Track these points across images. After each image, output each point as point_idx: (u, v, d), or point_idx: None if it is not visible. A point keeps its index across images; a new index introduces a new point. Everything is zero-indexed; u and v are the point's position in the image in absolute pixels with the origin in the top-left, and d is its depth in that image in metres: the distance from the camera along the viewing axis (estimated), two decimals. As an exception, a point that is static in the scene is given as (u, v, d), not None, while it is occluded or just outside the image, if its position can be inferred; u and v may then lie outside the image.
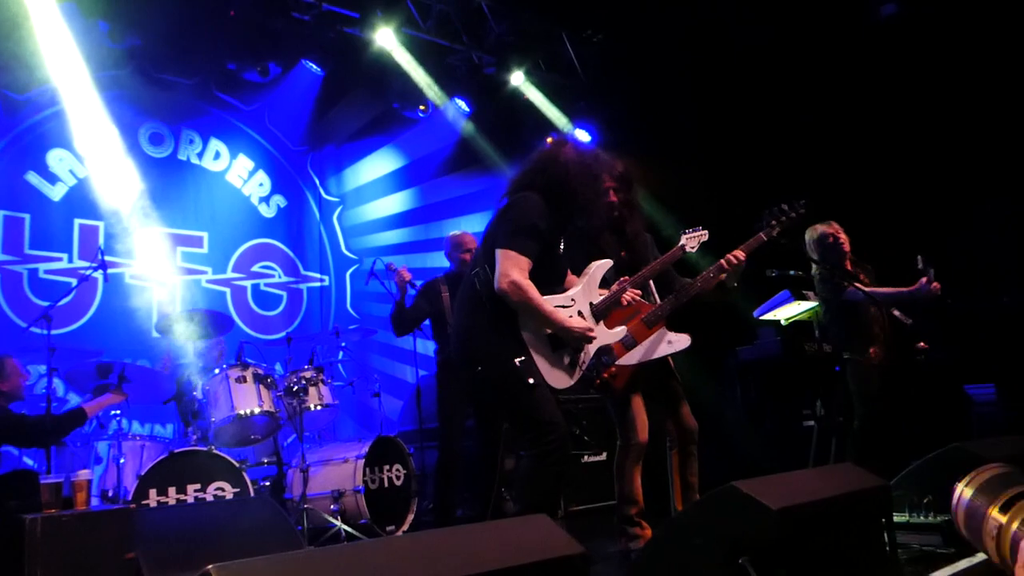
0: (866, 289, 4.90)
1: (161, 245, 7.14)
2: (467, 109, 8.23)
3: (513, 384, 3.26)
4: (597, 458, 6.50)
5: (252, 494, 5.15)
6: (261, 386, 5.55)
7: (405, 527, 5.76)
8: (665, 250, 4.17)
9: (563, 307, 3.47)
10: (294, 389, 5.71)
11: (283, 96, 7.71)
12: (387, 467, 5.84)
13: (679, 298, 4.03)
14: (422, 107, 8.05)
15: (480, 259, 3.41)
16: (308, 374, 5.80)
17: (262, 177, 7.97)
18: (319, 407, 5.74)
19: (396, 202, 8.66)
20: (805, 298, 5.73)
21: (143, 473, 4.93)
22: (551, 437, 3.20)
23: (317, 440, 6.30)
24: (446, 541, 1.78)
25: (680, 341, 4.03)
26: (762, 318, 6.04)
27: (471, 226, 8.70)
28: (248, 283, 7.71)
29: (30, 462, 5.92)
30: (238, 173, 7.83)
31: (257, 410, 5.45)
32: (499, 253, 3.26)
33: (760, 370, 6.52)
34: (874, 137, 6.96)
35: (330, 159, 8.53)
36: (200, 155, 7.62)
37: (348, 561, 1.62)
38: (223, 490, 5.12)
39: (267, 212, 7.99)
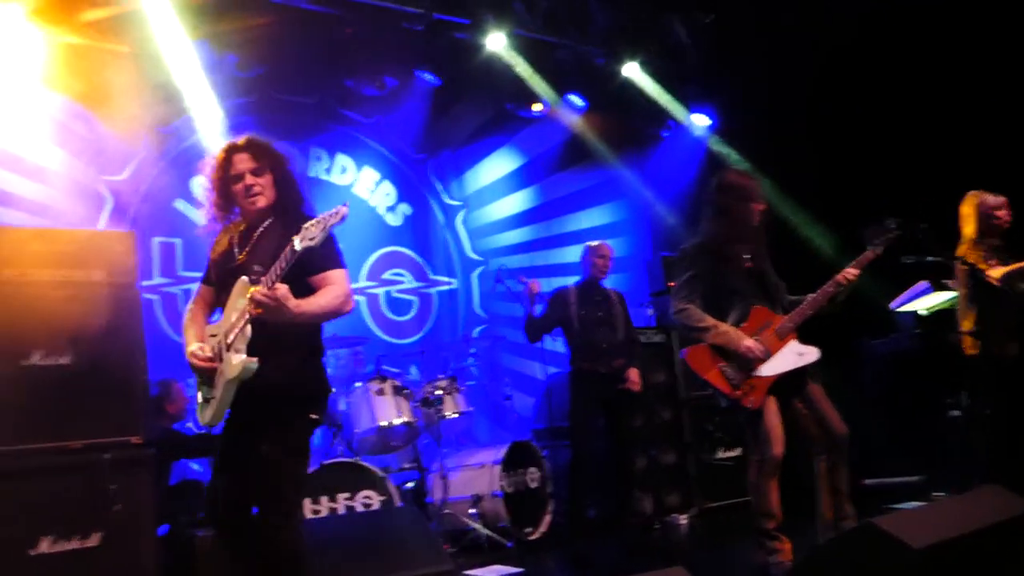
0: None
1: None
2: (580, 103, 8.23)
3: None
4: (731, 454, 6.47)
5: (397, 501, 5.41)
6: (399, 398, 5.81)
7: (543, 528, 5.91)
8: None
9: (213, 335, 3.18)
10: (430, 399, 5.95)
11: (400, 107, 7.91)
12: (522, 470, 6.01)
13: (809, 309, 4.00)
14: (535, 105, 8.11)
15: None
16: (443, 383, 6.04)
17: (387, 187, 8.24)
18: (455, 415, 5.97)
19: (516, 201, 8.78)
20: (945, 288, 5.49)
21: (297, 485, 5.24)
22: None
23: (454, 444, 6.52)
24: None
25: (810, 353, 3.99)
26: (900, 309, 5.84)
27: (590, 220, 8.77)
28: (381, 290, 8.02)
29: (196, 468, 6.35)
30: (365, 185, 8.12)
31: (397, 421, 5.72)
32: None
33: (897, 363, 6.32)
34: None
35: (449, 164, 8.72)
36: (328, 171, 7.95)
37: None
38: (370, 498, 5.39)
39: (394, 221, 8.26)
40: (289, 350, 3.09)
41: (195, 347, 3.16)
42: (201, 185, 3.34)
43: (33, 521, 3.86)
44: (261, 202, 3.19)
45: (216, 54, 6.65)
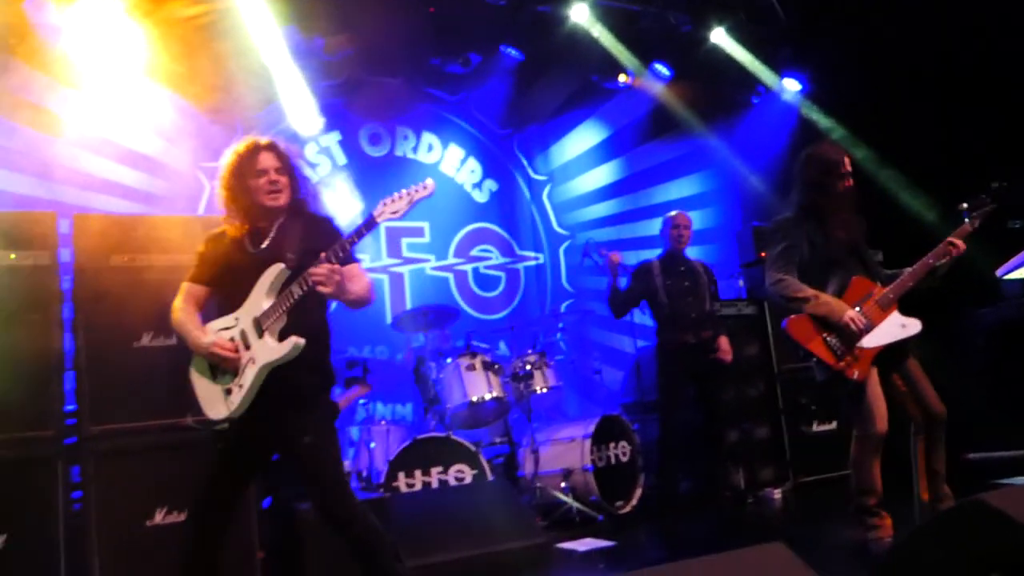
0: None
1: (387, 238, 7.67)
2: (666, 72, 8.10)
3: None
4: (826, 427, 6.35)
5: (489, 475, 5.50)
6: (490, 373, 5.88)
7: (633, 502, 5.92)
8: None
9: (225, 328, 3.26)
10: (520, 374, 6.00)
11: (485, 83, 7.93)
12: (613, 444, 6.02)
13: (910, 281, 3.91)
14: (621, 76, 8.02)
15: None
16: (532, 359, 6.09)
17: (473, 164, 8.30)
18: (545, 390, 6.01)
19: (602, 174, 8.71)
20: None
21: (392, 459, 5.39)
22: None
23: (544, 419, 6.57)
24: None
25: (912, 325, 3.90)
26: (1007, 277, 5.60)
27: (678, 191, 8.65)
28: (468, 267, 8.10)
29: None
30: (451, 163, 8.19)
31: (488, 396, 5.79)
32: None
33: (1004, 332, 6.06)
34: None
35: (535, 138, 8.72)
36: (415, 149, 8.05)
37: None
38: (463, 472, 5.49)
39: (480, 197, 8.32)
40: (315, 338, 3.23)
41: (213, 338, 3.24)
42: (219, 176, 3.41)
43: (149, 495, 4.12)
44: (282, 199, 3.30)
45: (304, 38, 6.78)
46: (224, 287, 3.34)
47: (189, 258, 4.08)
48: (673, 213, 5.86)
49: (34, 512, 4.11)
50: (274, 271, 3.19)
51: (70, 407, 4.43)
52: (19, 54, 5.81)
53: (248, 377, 3.15)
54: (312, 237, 3.24)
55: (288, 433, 3.17)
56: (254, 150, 3.31)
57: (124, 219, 4.95)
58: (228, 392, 3.19)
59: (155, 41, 6.15)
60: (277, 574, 4.43)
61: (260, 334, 3.17)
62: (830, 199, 4.04)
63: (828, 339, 3.89)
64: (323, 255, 3.05)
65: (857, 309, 3.86)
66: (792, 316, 3.99)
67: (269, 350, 3.13)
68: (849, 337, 3.85)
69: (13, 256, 4.28)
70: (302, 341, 3.10)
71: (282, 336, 3.14)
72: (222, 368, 3.22)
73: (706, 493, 5.79)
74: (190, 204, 6.80)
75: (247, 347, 3.20)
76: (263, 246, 3.30)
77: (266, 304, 3.19)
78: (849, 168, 4.09)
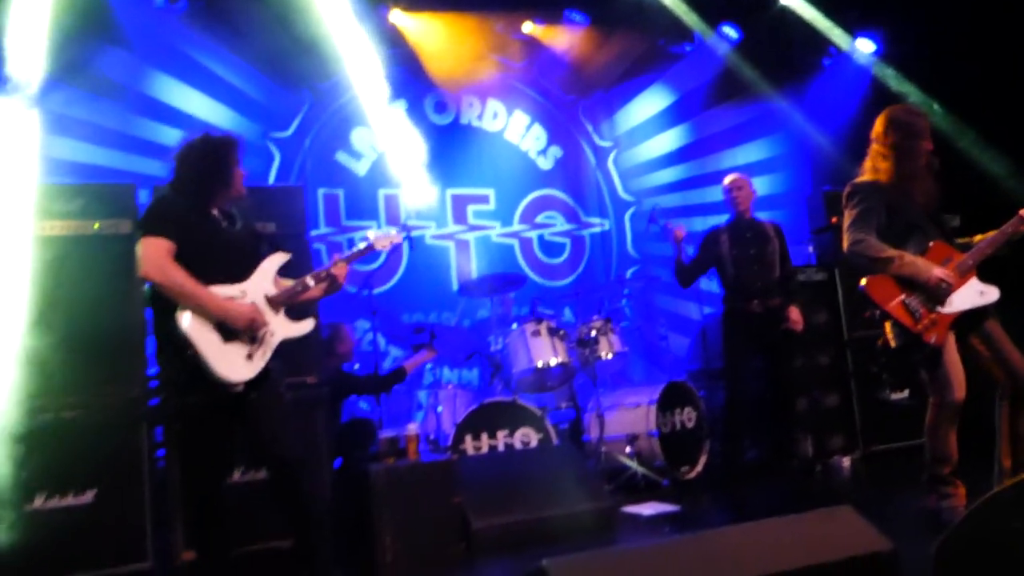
0: None
1: (453, 205, 7.75)
2: (734, 35, 7.96)
3: None
4: (899, 396, 6.25)
5: (554, 439, 5.56)
6: (555, 339, 5.93)
7: (699, 468, 5.93)
8: None
9: (232, 297, 3.44)
10: (585, 340, 6.03)
11: (550, 48, 7.91)
12: (679, 410, 6.02)
13: (988, 249, 3.83)
14: (688, 40, 7.91)
15: None
16: (598, 324, 6.10)
17: (538, 131, 8.29)
18: (610, 356, 6.03)
19: (668, 140, 8.63)
20: None
21: (459, 422, 5.49)
22: None
23: (610, 384, 6.60)
24: (752, 536, 1.90)
25: (991, 292, 3.82)
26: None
27: (746, 156, 8.52)
28: (534, 234, 8.13)
29: (364, 406, 6.74)
30: (515, 130, 8.20)
31: (553, 361, 5.84)
32: None
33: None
34: None
35: (600, 104, 8.65)
36: (480, 117, 8.08)
37: (662, 558, 1.80)
38: (528, 435, 5.58)
39: (545, 164, 8.32)
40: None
41: (248, 305, 3.44)
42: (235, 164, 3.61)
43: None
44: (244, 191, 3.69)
45: (370, 6, 6.85)
46: (188, 252, 3.38)
47: (262, 226, 4.26)
48: (729, 177, 5.69)
49: (121, 470, 4.33)
50: (281, 258, 3.64)
51: (152, 371, 4.64)
52: (95, 29, 6.00)
53: (271, 346, 3.48)
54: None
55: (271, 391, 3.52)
56: (239, 147, 3.64)
57: (200, 188, 5.11)
58: (250, 356, 3.38)
59: (227, 12, 6.29)
60: (350, 531, 4.57)
61: (276, 311, 3.54)
62: (908, 163, 3.95)
63: (907, 301, 3.82)
64: (336, 257, 3.74)
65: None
66: (871, 276, 3.92)
67: (290, 327, 3.59)
68: (934, 298, 3.78)
69: (97, 225, 4.48)
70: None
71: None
72: (233, 332, 3.35)
73: (773, 461, 5.75)
74: (261, 173, 6.97)
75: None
76: (236, 227, 3.61)
77: (270, 285, 3.57)
78: (929, 132, 4.00)
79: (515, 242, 8.03)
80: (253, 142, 6.88)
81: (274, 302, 3.54)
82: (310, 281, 3.66)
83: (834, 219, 6.52)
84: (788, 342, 5.53)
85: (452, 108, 7.95)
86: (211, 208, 3.55)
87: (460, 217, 7.80)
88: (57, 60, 5.38)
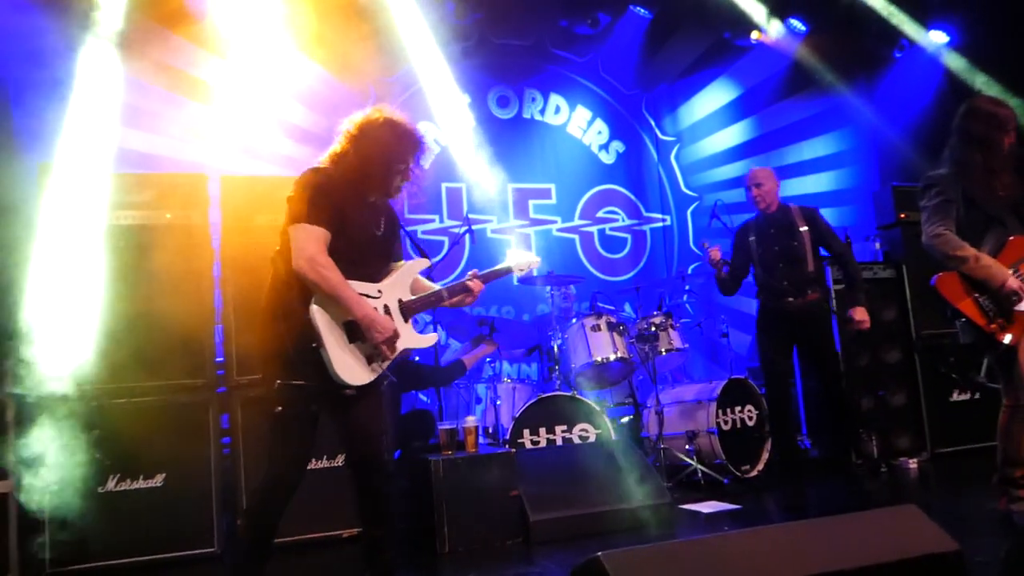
0: None
1: (514, 199, 7.77)
2: (802, 28, 7.81)
3: None
4: (965, 397, 6.08)
5: (613, 435, 5.54)
6: (614, 334, 5.90)
7: (760, 466, 5.85)
8: None
9: (368, 296, 3.19)
10: (645, 335, 5.99)
11: (614, 43, 7.90)
12: (739, 408, 5.94)
13: None
14: (754, 33, 7.78)
15: None
16: (658, 320, 6.05)
17: (600, 125, 8.27)
18: (670, 351, 5.98)
19: (732, 134, 8.53)
20: None
21: (518, 415, 5.50)
22: None
23: (669, 381, 6.55)
24: (814, 533, 1.88)
25: None
26: None
27: (812, 151, 8.37)
28: (595, 229, 8.12)
29: (425, 399, 6.81)
30: (578, 124, 8.20)
31: (612, 357, 5.82)
32: None
33: None
34: None
35: (663, 99, 8.60)
36: (542, 111, 8.09)
37: (719, 552, 1.79)
38: (587, 431, 5.56)
39: (607, 159, 8.29)
40: None
41: (390, 322, 3.21)
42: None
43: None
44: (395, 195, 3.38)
45: (435, 2, 6.90)
46: (337, 244, 3.14)
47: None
48: (749, 174, 5.43)
49: (190, 454, 4.46)
50: (422, 264, 3.46)
51: (219, 359, 4.76)
52: (170, 25, 6.16)
53: (393, 353, 3.23)
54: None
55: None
56: (422, 148, 3.37)
57: (268, 179, 5.23)
58: (371, 360, 3.19)
59: (293, 8, 6.39)
60: (409, 522, 4.62)
61: (405, 319, 3.31)
62: (990, 155, 3.85)
63: (980, 299, 3.72)
64: (473, 273, 3.50)
65: (1017, 275, 3.68)
66: (943, 273, 3.82)
67: (416, 338, 3.38)
68: (1005, 300, 3.67)
69: (169, 215, 4.61)
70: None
71: None
72: (359, 335, 3.14)
73: (837, 460, 5.63)
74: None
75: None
76: (380, 230, 3.31)
77: (407, 290, 3.35)
78: (1013, 124, 3.88)
79: (576, 237, 8.03)
80: (318, 135, 6.99)
81: (407, 309, 3.33)
82: (445, 294, 3.41)
83: (903, 215, 6.36)
84: (825, 337, 5.34)
85: (514, 102, 7.98)
86: (370, 197, 3.27)
87: (522, 211, 7.83)
88: (132, 51, 5.53)
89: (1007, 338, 3.66)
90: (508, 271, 3.67)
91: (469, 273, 3.48)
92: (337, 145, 3.26)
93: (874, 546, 1.82)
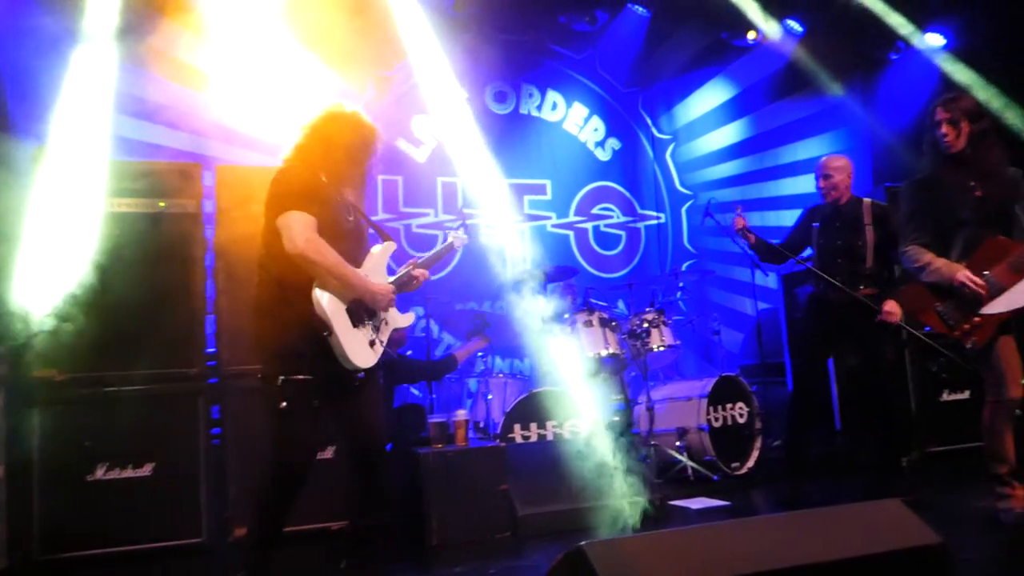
0: None
1: (510, 195, 7.76)
2: (799, 29, 7.82)
3: None
4: (958, 396, 6.09)
5: (604, 430, 5.54)
6: (607, 330, 5.92)
7: (750, 463, 5.87)
8: None
9: None
10: (637, 332, 6.00)
11: (612, 41, 7.91)
12: (730, 405, 5.96)
13: None
14: (750, 33, 7.79)
15: None
16: (650, 316, 6.07)
17: (596, 122, 8.28)
18: (662, 348, 6.00)
19: (728, 134, 8.55)
20: None
21: (508, 410, 5.52)
22: None
23: (661, 377, 6.56)
24: (797, 525, 1.89)
25: None
26: None
27: (806, 151, 8.38)
28: (589, 225, 8.14)
29: (416, 393, 6.81)
30: (574, 121, 8.20)
31: (604, 352, 5.84)
32: None
33: None
34: None
35: (660, 97, 8.62)
36: (539, 107, 8.10)
37: (703, 542, 1.79)
38: (577, 427, 5.57)
39: (603, 155, 8.31)
40: None
41: (391, 295, 3.43)
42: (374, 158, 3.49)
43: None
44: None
45: (435, -5, 6.91)
46: (321, 233, 3.18)
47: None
48: (821, 161, 5.21)
49: (179, 444, 4.45)
50: (391, 247, 3.55)
51: (211, 349, 4.75)
52: (167, 12, 6.14)
53: (385, 334, 3.41)
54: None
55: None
56: (380, 142, 3.51)
57: (263, 170, 5.20)
58: (372, 343, 3.29)
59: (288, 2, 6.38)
60: (404, 508, 4.61)
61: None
62: (959, 158, 3.85)
63: (939, 308, 3.76)
64: (413, 262, 3.66)
65: (986, 273, 3.69)
66: (905, 287, 3.90)
67: (400, 317, 3.57)
68: (967, 302, 3.69)
69: (163, 204, 4.60)
70: None
71: None
72: (360, 318, 3.25)
73: (828, 458, 5.65)
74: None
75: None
76: (352, 219, 3.41)
77: (384, 275, 3.47)
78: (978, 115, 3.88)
79: (570, 233, 8.04)
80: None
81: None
82: (416, 271, 3.62)
83: (896, 216, 6.38)
84: (884, 334, 5.25)
85: (511, 98, 7.98)
86: (343, 188, 3.41)
87: (517, 207, 7.82)
88: (129, 39, 5.50)
89: (970, 343, 3.70)
90: (450, 248, 3.94)
91: (409, 262, 3.66)
92: (302, 140, 3.37)
93: (857, 539, 1.83)
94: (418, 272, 3.62)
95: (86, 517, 4.20)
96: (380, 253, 3.49)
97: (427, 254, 3.80)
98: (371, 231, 3.60)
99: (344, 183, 3.40)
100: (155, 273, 4.44)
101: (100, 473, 4.31)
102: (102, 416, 4.28)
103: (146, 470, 4.38)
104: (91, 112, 4.89)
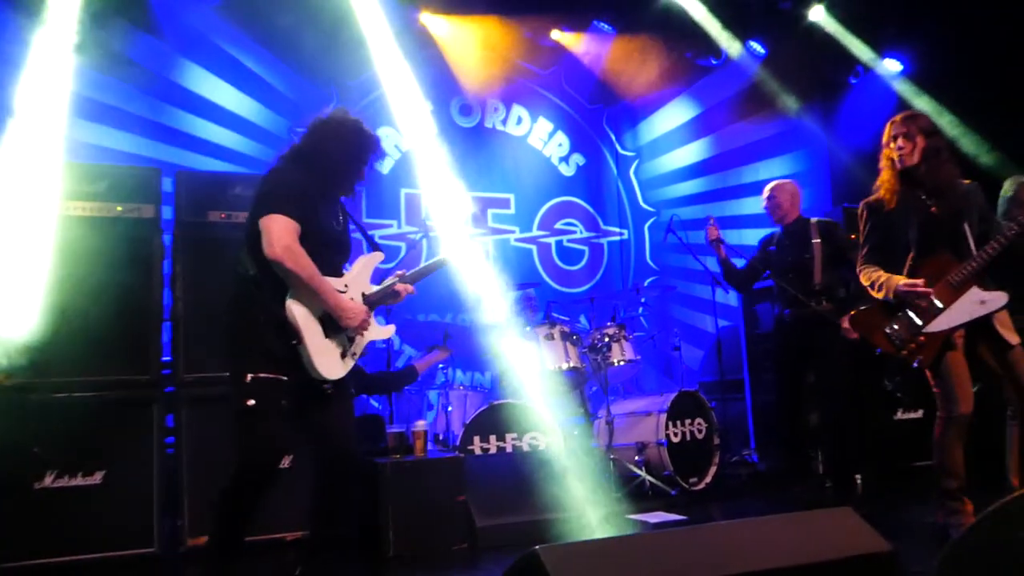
0: None
1: (473, 208, 7.75)
2: (762, 51, 7.95)
3: None
4: (912, 415, 6.18)
5: (563, 444, 5.54)
6: (567, 343, 5.93)
7: (708, 479, 5.89)
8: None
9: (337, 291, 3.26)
10: (598, 346, 6.02)
11: (577, 58, 7.95)
12: (689, 421, 5.99)
13: (988, 256, 3.71)
14: (715, 54, 7.91)
15: None
16: (611, 331, 6.09)
17: (561, 138, 8.34)
18: (622, 362, 6.02)
19: (691, 152, 8.64)
20: None
21: (468, 422, 5.49)
22: None
23: (621, 392, 6.58)
24: (749, 532, 1.90)
25: (994, 300, 3.73)
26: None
27: (768, 171, 8.49)
28: (552, 240, 8.17)
29: (376, 404, 6.76)
30: (539, 136, 8.25)
31: (565, 366, 5.84)
32: None
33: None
34: None
35: (624, 114, 8.70)
36: (504, 122, 8.13)
37: (660, 547, 1.80)
38: (537, 439, 5.55)
39: (567, 171, 8.35)
40: None
41: (359, 304, 3.31)
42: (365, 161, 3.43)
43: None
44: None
45: (401, 7, 6.91)
46: (305, 239, 3.14)
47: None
48: (769, 185, 5.54)
49: (131, 452, 4.35)
50: (378, 258, 3.48)
51: (167, 358, 4.67)
52: (124, 14, 6.08)
53: (360, 346, 3.32)
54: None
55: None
56: (379, 150, 3.48)
57: (222, 177, 5.17)
58: (343, 355, 3.23)
59: (259, 7, 6.36)
60: (360, 519, 4.55)
61: (370, 311, 3.34)
62: (915, 171, 3.93)
63: (887, 330, 3.82)
64: (400, 274, 3.55)
65: (391, 327, 3.82)
66: (854, 311, 3.97)
67: (379, 330, 3.45)
68: (915, 323, 3.75)
69: (120, 208, 4.52)
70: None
71: None
72: (334, 328, 3.18)
73: (784, 474, 5.70)
74: (282, 166, 7.01)
75: None
76: (340, 226, 3.39)
77: (367, 283, 3.42)
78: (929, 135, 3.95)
79: (534, 247, 8.06)
80: (278, 135, 6.94)
81: (369, 301, 3.37)
82: (400, 286, 3.51)
83: (852, 236, 6.48)
84: (843, 351, 5.34)
85: (477, 111, 8.00)
86: (335, 194, 3.38)
87: (481, 220, 7.82)
88: (87, 43, 5.42)
89: (916, 362, 3.76)
90: (442, 264, 3.75)
91: (395, 274, 3.54)
92: (301, 144, 3.33)
93: (809, 545, 1.85)
94: (402, 287, 3.53)
95: (34, 526, 4.09)
96: (365, 263, 3.44)
97: (415, 269, 3.66)
98: (362, 239, 3.57)
99: (338, 189, 3.39)
100: (111, 278, 4.34)
101: (48, 481, 4.19)
102: (52, 422, 4.18)
103: (96, 478, 4.28)
104: (47, 114, 4.80)
